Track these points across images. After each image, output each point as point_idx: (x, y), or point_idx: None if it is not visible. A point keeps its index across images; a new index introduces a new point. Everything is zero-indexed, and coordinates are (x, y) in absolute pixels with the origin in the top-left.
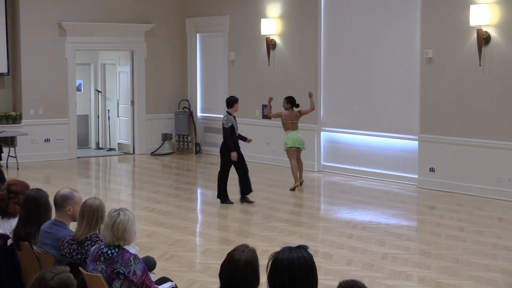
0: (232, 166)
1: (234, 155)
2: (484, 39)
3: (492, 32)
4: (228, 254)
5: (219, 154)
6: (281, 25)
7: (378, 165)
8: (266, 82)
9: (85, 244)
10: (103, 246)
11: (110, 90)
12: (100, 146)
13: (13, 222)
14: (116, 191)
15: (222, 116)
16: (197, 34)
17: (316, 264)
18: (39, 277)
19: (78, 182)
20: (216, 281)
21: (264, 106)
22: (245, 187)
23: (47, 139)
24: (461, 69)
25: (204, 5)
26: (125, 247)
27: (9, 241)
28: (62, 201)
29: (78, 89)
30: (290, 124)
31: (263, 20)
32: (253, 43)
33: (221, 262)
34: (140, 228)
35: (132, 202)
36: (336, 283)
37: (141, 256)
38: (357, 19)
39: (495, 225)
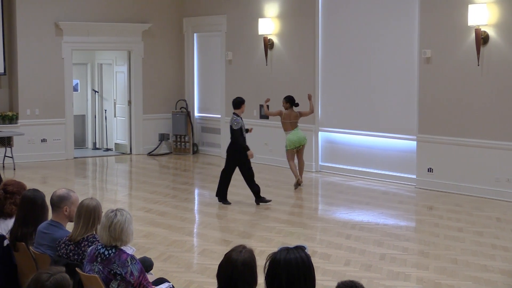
0: (240, 169)
1: (251, 153)
2: (482, 39)
3: (491, 32)
4: (225, 254)
5: (226, 154)
6: (278, 25)
7: (376, 165)
8: (263, 82)
9: (82, 245)
10: (100, 247)
11: (107, 90)
12: (97, 146)
13: (10, 222)
14: (113, 192)
15: (230, 117)
16: (195, 34)
17: (314, 264)
18: (35, 278)
19: (75, 182)
20: (214, 282)
21: (261, 106)
22: (254, 188)
23: (43, 139)
24: (460, 69)
25: (201, 4)
26: (122, 247)
27: (6, 242)
28: (58, 202)
29: (75, 89)
30: (288, 124)
31: (260, 20)
32: (251, 43)
33: (218, 263)
34: (137, 228)
35: (129, 202)
36: (334, 284)
37: (138, 256)
38: (355, 19)
39: (493, 226)
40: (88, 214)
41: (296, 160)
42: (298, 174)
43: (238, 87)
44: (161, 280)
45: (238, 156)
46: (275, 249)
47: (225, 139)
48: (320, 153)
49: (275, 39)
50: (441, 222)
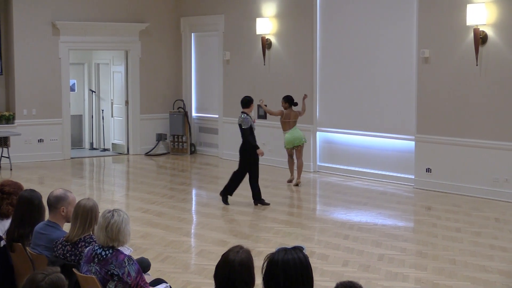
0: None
1: (261, 151)
2: (481, 38)
3: (489, 32)
4: (222, 255)
5: (239, 155)
6: (276, 25)
7: (374, 165)
8: (261, 82)
9: (79, 245)
10: (97, 247)
11: (104, 90)
12: (94, 146)
13: (6, 223)
14: (110, 192)
15: (240, 116)
16: (192, 34)
17: (312, 265)
18: (30, 279)
19: (72, 182)
20: (211, 283)
21: (259, 106)
22: (256, 189)
23: (40, 139)
24: (458, 69)
25: (199, 4)
26: (119, 248)
27: (2, 242)
28: (55, 202)
29: (72, 89)
30: (287, 124)
31: (258, 20)
32: (249, 43)
33: (216, 264)
34: (135, 229)
35: (126, 203)
36: (332, 285)
37: (135, 257)
38: (353, 19)
39: (492, 226)
40: (85, 214)
41: (295, 160)
42: (292, 173)
43: (236, 87)
44: (158, 281)
45: (248, 155)
46: (273, 250)
47: (223, 139)
48: (318, 153)
49: (273, 39)
50: (439, 222)
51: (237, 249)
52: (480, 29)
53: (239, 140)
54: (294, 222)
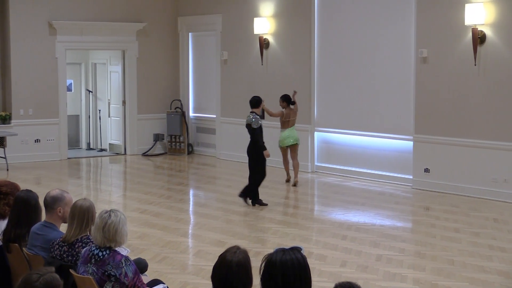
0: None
1: (267, 152)
2: (479, 38)
3: (488, 32)
4: (219, 256)
5: (248, 157)
6: (274, 24)
7: (372, 165)
8: (259, 82)
9: (76, 246)
10: (94, 248)
11: (101, 90)
12: (91, 146)
13: (3, 223)
14: (107, 192)
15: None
16: (189, 33)
17: (310, 266)
18: (24, 279)
19: (69, 183)
20: (209, 283)
21: None
22: (250, 192)
23: (37, 139)
24: (456, 69)
25: (196, 4)
26: (116, 249)
27: None
28: (52, 203)
29: (69, 89)
30: (286, 123)
31: (256, 19)
32: (246, 43)
33: (213, 264)
34: (132, 229)
35: (124, 203)
36: (330, 285)
37: (132, 258)
38: (351, 18)
39: (490, 226)
40: (82, 215)
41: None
42: (288, 173)
43: (233, 87)
44: (155, 282)
45: (256, 155)
46: (271, 250)
47: (220, 140)
48: (316, 154)
49: (270, 39)
50: (437, 222)
51: (234, 249)
52: (479, 29)
53: (236, 140)
54: (292, 222)
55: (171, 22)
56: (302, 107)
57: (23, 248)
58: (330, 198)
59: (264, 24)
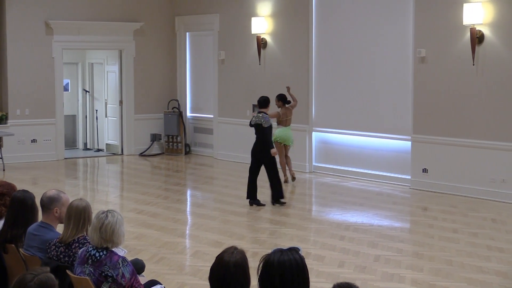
0: (251, 168)
1: (274, 151)
2: (477, 38)
3: (486, 31)
4: (217, 256)
5: (252, 158)
6: (272, 24)
7: (370, 166)
8: (256, 81)
9: (73, 247)
10: (91, 249)
11: (98, 90)
12: (88, 146)
13: None
14: (104, 193)
15: (261, 116)
16: (187, 33)
17: (308, 266)
18: (19, 280)
19: (66, 183)
20: (206, 284)
21: (254, 106)
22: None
23: (34, 139)
24: (455, 69)
25: (193, 3)
26: (113, 249)
27: None
28: (49, 203)
29: (66, 88)
30: (284, 122)
31: (253, 19)
32: (244, 42)
33: (211, 265)
34: (129, 230)
35: (121, 203)
36: (328, 286)
37: (129, 258)
38: (349, 18)
39: (488, 227)
40: (78, 215)
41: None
42: (285, 173)
43: (231, 87)
44: (153, 282)
45: (263, 155)
46: (269, 251)
47: (218, 140)
48: (314, 154)
49: (268, 38)
50: (435, 223)
51: (232, 250)
52: (477, 29)
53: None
54: (290, 223)
55: (168, 21)
56: (300, 107)
57: (20, 249)
58: (328, 199)
59: (262, 24)
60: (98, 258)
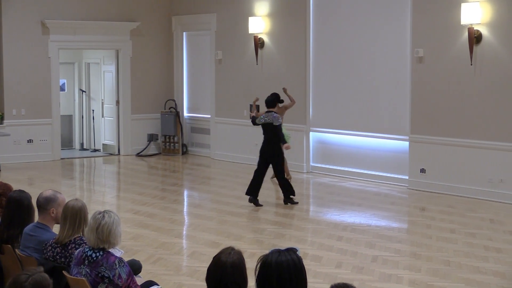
0: (258, 167)
1: (287, 145)
2: (475, 37)
3: (484, 31)
4: (214, 257)
5: (261, 158)
6: (269, 24)
7: (368, 166)
8: (254, 81)
9: (69, 247)
10: (88, 249)
11: (94, 90)
12: (85, 147)
13: None
14: (101, 193)
15: (273, 116)
16: (184, 33)
17: (305, 267)
18: (13, 280)
19: (62, 184)
20: (203, 285)
21: (251, 106)
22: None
23: (30, 140)
24: (452, 69)
25: (190, 3)
26: (110, 250)
27: None
28: (45, 203)
29: (62, 88)
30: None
31: (251, 19)
32: (241, 42)
33: (208, 265)
34: (125, 230)
35: (117, 204)
36: (326, 286)
37: (126, 259)
38: (347, 18)
39: (486, 227)
40: (74, 215)
41: None
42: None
43: (228, 87)
44: (150, 283)
45: (271, 155)
46: (266, 251)
47: (215, 140)
48: (312, 154)
49: (265, 38)
50: (433, 223)
51: (229, 250)
52: (475, 28)
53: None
54: (287, 223)
55: (165, 21)
56: (297, 107)
57: (16, 249)
58: (326, 199)
59: (259, 24)
60: (95, 258)
